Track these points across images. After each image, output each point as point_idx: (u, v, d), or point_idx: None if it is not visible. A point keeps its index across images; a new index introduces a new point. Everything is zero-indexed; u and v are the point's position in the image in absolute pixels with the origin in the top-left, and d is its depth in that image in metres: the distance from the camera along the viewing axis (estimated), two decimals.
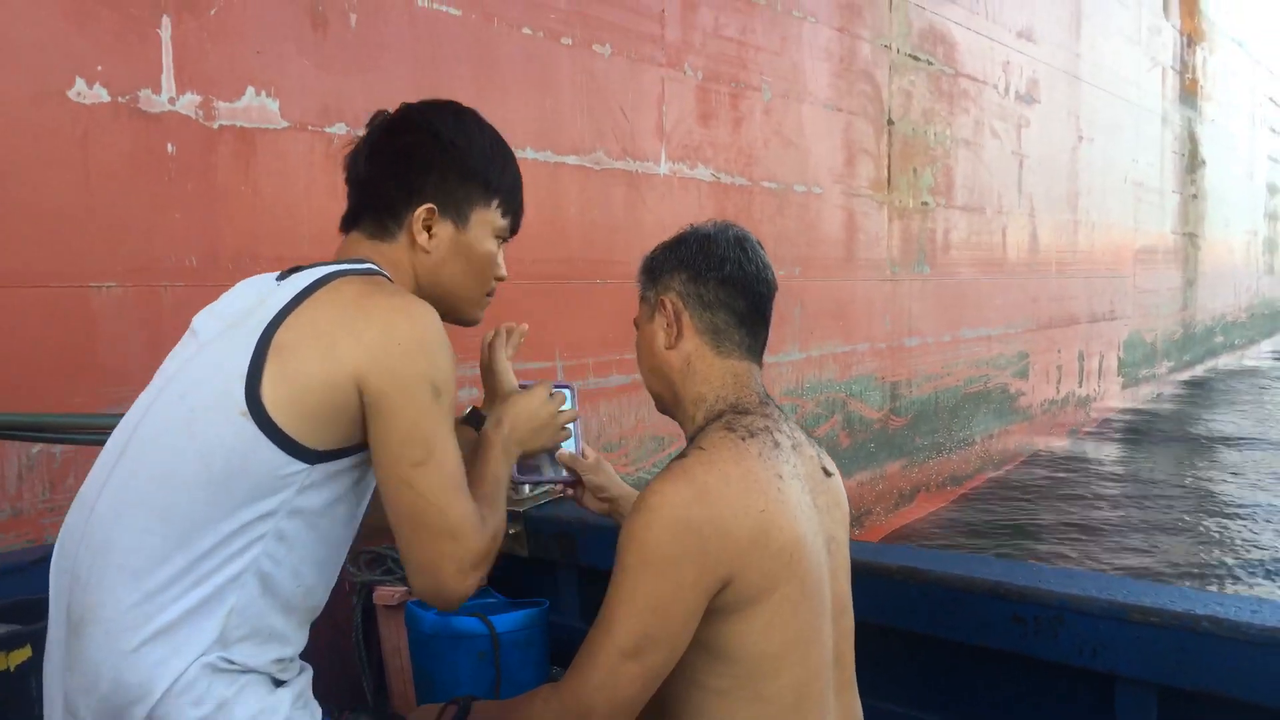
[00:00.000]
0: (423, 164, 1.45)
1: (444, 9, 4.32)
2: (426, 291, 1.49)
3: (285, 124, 3.77)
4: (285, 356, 1.28)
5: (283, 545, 1.27)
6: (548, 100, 4.88)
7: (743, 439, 1.44)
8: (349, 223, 1.51)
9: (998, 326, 9.30)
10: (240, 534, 1.25)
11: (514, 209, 1.54)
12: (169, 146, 3.43)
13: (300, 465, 1.27)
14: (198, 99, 3.50)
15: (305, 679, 1.39)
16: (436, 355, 1.31)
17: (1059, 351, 10.53)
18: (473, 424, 1.64)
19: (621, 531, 1.38)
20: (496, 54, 4.58)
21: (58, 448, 3.16)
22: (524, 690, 1.53)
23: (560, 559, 2.52)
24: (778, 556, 1.38)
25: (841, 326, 7.20)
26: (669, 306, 1.55)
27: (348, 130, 3.95)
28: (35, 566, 2.12)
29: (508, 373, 1.70)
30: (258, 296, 1.40)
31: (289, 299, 1.34)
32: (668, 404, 1.61)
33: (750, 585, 1.37)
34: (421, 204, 1.45)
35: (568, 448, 1.72)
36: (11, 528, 3.06)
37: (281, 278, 1.45)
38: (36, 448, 3.11)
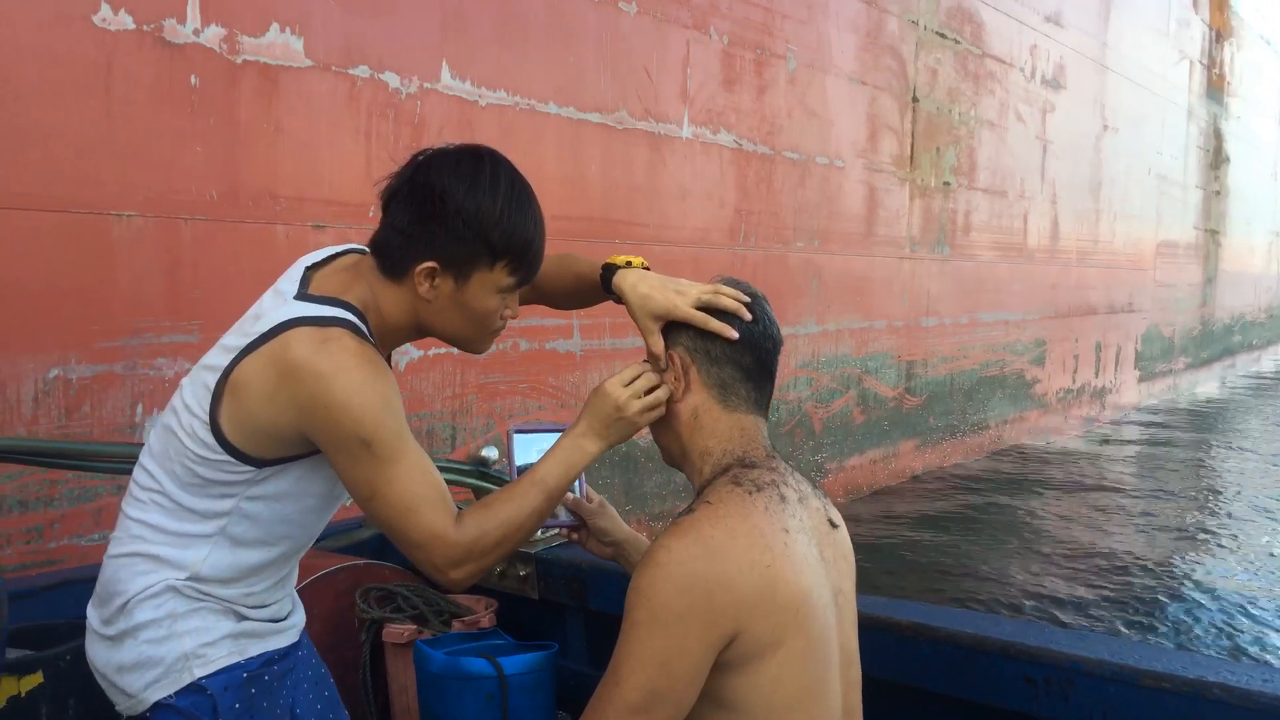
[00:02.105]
0: (430, 226, 1.54)
1: None
2: (426, 330, 1.64)
3: (309, 63, 3.75)
4: (238, 394, 1.51)
5: (247, 519, 1.58)
6: (571, 55, 4.85)
7: (749, 493, 1.45)
8: (371, 249, 1.62)
9: (1016, 312, 9.24)
10: (212, 506, 1.56)
11: (524, 265, 1.60)
12: (192, 79, 3.42)
13: (249, 468, 1.54)
14: (222, 32, 3.48)
15: (271, 626, 1.66)
16: (360, 414, 1.48)
17: (1076, 341, 10.47)
18: (604, 285, 1.72)
19: (630, 587, 1.40)
20: (520, 5, 4.55)
21: (74, 374, 3.15)
22: None
23: (570, 602, 2.50)
24: (784, 610, 1.39)
25: (859, 302, 7.16)
26: (677, 361, 1.57)
27: (370, 73, 3.93)
28: (49, 591, 2.12)
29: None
30: (255, 315, 1.59)
31: (256, 336, 1.52)
32: (675, 456, 1.62)
33: (757, 640, 1.38)
34: (425, 261, 1.55)
35: (572, 492, 1.74)
36: None
37: (302, 285, 1.60)
38: (53, 372, 3.10)
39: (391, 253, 1.57)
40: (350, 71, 3.89)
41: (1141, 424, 11.28)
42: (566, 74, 4.83)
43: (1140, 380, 12.34)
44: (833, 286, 6.85)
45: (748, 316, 1.57)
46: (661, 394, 1.58)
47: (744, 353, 1.56)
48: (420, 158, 1.58)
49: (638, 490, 5.33)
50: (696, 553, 1.37)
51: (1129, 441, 10.38)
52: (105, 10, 3.17)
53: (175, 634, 1.55)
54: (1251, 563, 6.26)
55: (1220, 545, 6.64)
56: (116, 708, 1.59)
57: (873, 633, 1.77)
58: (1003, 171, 8.87)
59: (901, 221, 7.55)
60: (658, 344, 1.59)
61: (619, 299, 1.68)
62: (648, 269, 1.70)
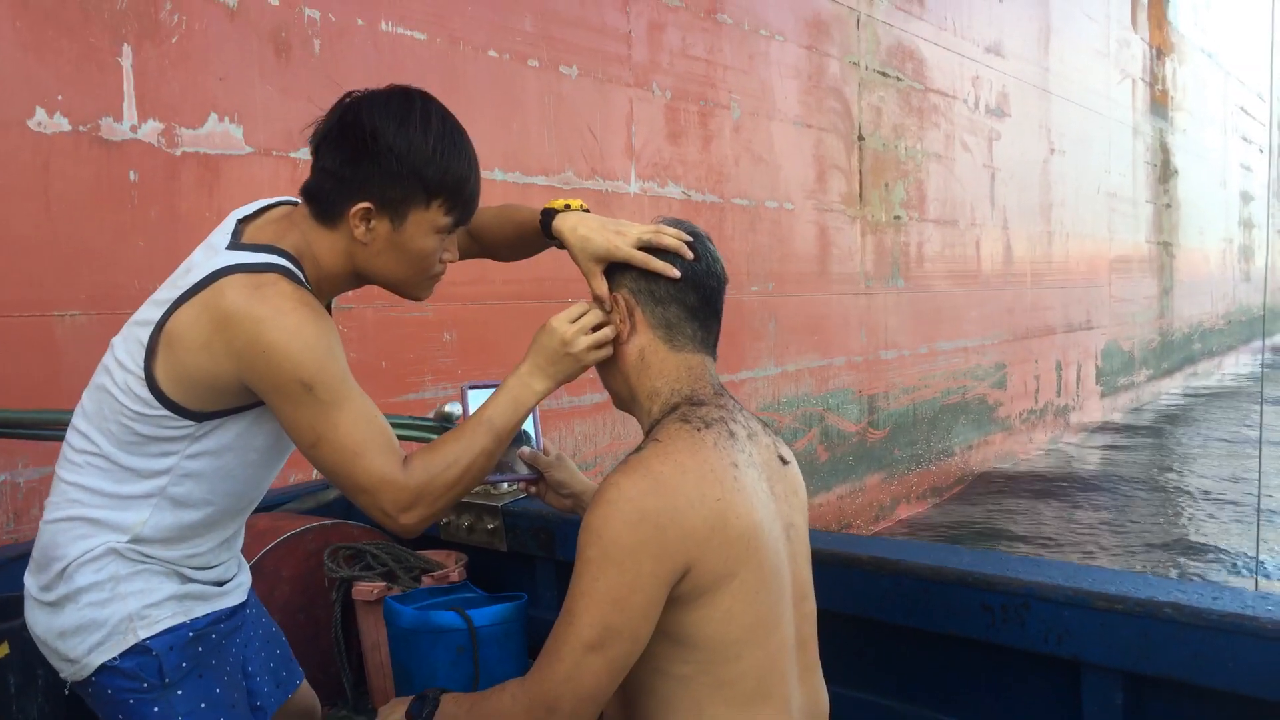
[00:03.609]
0: (362, 166, 1.50)
1: (408, 33, 4.35)
2: (363, 275, 1.61)
3: (249, 149, 3.78)
4: (173, 346, 1.47)
5: (189, 478, 1.54)
6: (515, 122, 4.91)
7: (698, 430, 1.46)
8: (303, 195, 1.58)
9: (974, 338, 9.36)
10: (152, 465, 1.52)
11: (459, 204, 1.57)
12: (131, 174, 3.44)
13: (189, 423, 1.51)
14: (160, 126, 3.51)
15: (216, 589, 1.64)
16: (301, 357, 1.44)
17: (1036, 362, 10.60)
18: (544, 231, 1.68)
19: (581, 526, 1.40)
20: (463, 77, 4.62)
21: (21, 478, 3.15)
22: None
23: (538, 553, 2.53)
24: (735, 544, 1.40)
25: (817, 341, 7.23)
26: (622, 303, 1.57)
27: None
28: (14, 564, 2.11)
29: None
30: (185, 268, 1.55)
31: (189, 287, 1.48)
32: (624, 399, 1.62)
33: (709, 573, 1.39)
34: (359, 202, 1.51)
35: (529, 445, 1.74)
36: None
37: (234, 237, 1.56)
38: (0, 478, 3.10)
39: (324, 196, 1.53)
40: (292, 155, 3.92)
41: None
42: (511, 140, 4.89)
43: (1103, 396, 12.50)
44: (790, 327, 6.92)
45: (689, 255, 1.55)
46: (608, 332, 1.56)
47: (688, 291, 1.55)
48: (348, 99, 1.54)
49: None
50: (646, 488, 1.37)
51: None
52: (40, 114, 3.19)
53: (118, 596, 1.52)
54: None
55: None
56: (60, 674, 1.55)
57: (834, 568, 1.80)
58: (952, 201, 9.01)
59: (855, 258, 7.65)
60: (601, 286, 1.57)
61: (560, 243, 1.65)
62: (587, 211, 1.67)
